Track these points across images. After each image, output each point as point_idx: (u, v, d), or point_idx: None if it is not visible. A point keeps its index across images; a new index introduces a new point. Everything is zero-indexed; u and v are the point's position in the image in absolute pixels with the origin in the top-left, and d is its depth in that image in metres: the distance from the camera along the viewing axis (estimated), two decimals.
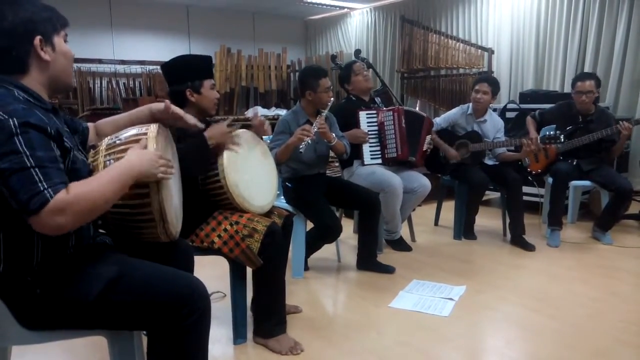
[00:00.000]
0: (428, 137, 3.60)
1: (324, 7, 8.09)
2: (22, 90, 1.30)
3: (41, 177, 1.19)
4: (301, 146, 2.79)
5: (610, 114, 3.98)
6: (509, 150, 3.95)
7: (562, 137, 3.57)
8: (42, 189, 1.18)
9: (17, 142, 1.19)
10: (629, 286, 2.97)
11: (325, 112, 3.01)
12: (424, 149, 3.59)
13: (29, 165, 1.19)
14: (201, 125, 1.76)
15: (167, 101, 1.68)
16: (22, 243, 1.31)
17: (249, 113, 7.25)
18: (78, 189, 1.24)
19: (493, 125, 3.92)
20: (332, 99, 3.05)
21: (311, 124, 2.91)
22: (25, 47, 1.31)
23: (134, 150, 1.44)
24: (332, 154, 3.30)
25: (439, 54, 6.61)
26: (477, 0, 6.60)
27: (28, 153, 1.19)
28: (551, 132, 3.64)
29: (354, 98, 3.60)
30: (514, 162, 3.98)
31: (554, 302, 2.74)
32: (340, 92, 7.81)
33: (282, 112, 6.46)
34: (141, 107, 1.71)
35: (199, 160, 2.09)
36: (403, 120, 3.47)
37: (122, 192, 1.34)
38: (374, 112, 3.51)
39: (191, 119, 1.71)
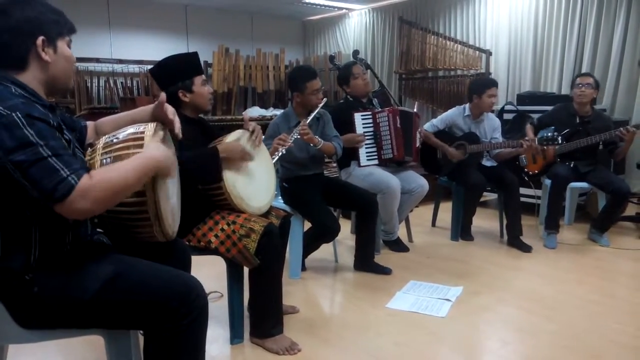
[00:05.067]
0: (418, 132, 3.63)
1: (322, 7, 8.09)
2: (19, 87, 1.31)
3: (61, 165, 1.21)
4: (274, 156, 2.72)
5: (607, 117, 4.00)
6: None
7: (559, 138, 3.59)
8: (65, 175, 1.20)
9: (29, 133, 1.20)
10: (625, 288, 2.98)
11: (314, 114, 2.98)
12: (417, 145, 3.62)
13: (45, 155, 1.20)
14: (179, 137, 1.66)
15: (163, 95, 1.66)
16: (19, 239, 1.31)
17: (245, 114, 7.24)
18: (101, 174, 1.27)
19: (490, 125, 3.95)
20: (324, 99, 3.01)
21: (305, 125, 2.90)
22: (26, 45, 1.32)
23: (155, 143, 1.45)
24: None
25: (436, 55, 6.62)
26: (475, 2, 6.61)
27: (42, 143, 1.20)
28: (549, 134, 3.65)
29: (351, 99, 3.60)
30: (511, 163, 3.98)
31: (551, 303, 2.74)
32: (338, 92, 7.83)
33: (280, 112, 6.48)
34: (143, 107, 1.70)
35: (204, 171, 2.09)
36: (398, 121, 3.47)
37: (143, 180, 1.36)
38: (369, 113, 3.50)
39: (177, 127, 1.64)
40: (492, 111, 4.03)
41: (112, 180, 1.27)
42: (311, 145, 2.98)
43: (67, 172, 1.20)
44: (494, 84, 3.88)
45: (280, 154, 2.75)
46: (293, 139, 2.81)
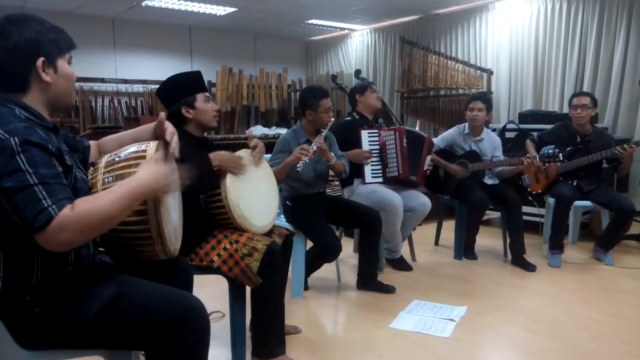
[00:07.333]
0: (428, 158, 3.61)
1: (325, 28, 8.19)
2: (23, 109, 1.31)
3: (45, 195, 1.19)
4: (298, 165, 2.80)
5: (608, 135, 3.99)
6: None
7: (560, 155, 3.58)
8: (46, 206, 1.18)
9: (20, 160, 1.19)
10: (630, 307, 2.95)
11: (325, 132, 3.03)
12: (425, 169, 3.60)
13: (32, 182, 1.19)
14: (176, 155, 1.63)
15: (162, 114, 1.67)
16: (22, 261, 1.31)
17: (250, 131, 7.27)
18: (83, 205, 1.23)
19: (490, 144, 3.95)
20: (332, 118, 3.08)
21: (311, 143, 2.93)
22: (27, 67, 1.32)
23: (146, 166, 1.40)
24: (331, 172, 3.31)
25: (438, 74, 6.67)
26: (476, 22, 6.68)
27: (31, 171, 1.20)
28: (550, 151, 3.64)
29: (357, 117, 3.62)
30: (514, 182, 3.97)
31: (555, 323, 2.71)
32: (340, 111, 7.87)
33: (283, 131, 6.50)
34: (145, 125, 1.71)
35: (200, 180, 2.09)
36: (404, 140, 3.49)
37: (130, 208, 1.32)
38: (376, 131, 3.52)
39: (172, 147, 1.60)
40: (490, 127, 4.03)
41: (96, 211, 1.23)
42: (324, 160, 3.02)
43: (48, 202, 1.19)
44: (476, 97, 3.91)
45: (304, 163, 2.80)
46: (313, 149, 2.86)
